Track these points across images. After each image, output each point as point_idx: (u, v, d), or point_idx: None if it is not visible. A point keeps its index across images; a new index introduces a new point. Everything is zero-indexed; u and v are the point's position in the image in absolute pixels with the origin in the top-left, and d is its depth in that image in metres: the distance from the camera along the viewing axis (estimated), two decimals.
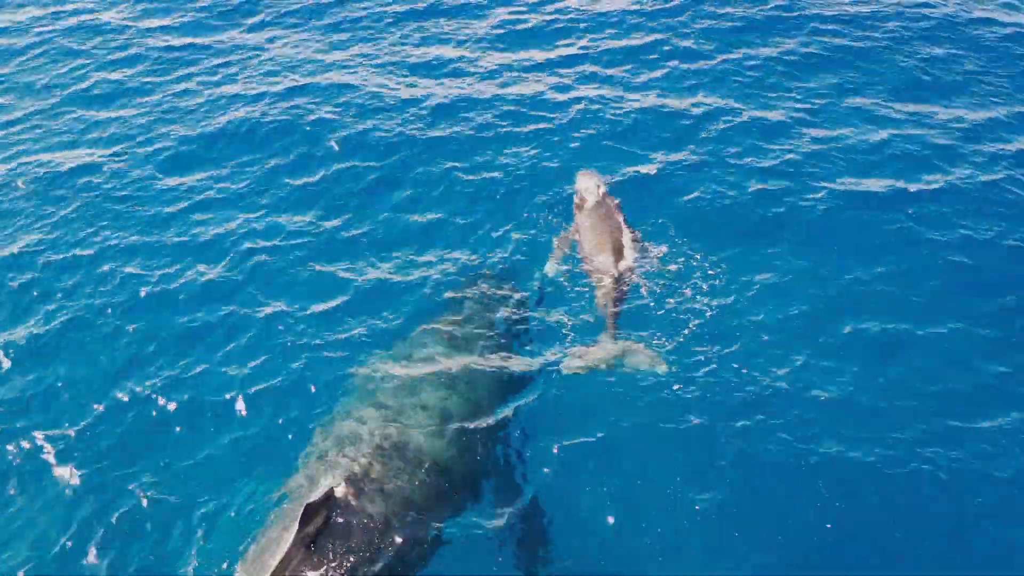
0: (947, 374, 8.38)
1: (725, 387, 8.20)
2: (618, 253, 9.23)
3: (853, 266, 9.57)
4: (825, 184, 10.73)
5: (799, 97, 12.45)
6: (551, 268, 9.51)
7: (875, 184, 10.75)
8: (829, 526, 7.23)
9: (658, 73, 13.14)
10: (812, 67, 13.13)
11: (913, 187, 10.63)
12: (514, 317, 9.06)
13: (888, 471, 7.56)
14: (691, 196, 10.67)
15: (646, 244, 9.69)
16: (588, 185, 10.14)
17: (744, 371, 8.33)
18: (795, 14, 14.54)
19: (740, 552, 7.10)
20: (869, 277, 9.42)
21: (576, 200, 10.13)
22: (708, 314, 8.85)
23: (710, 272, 9.34)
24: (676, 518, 7.28)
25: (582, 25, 14.75)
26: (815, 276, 9.45)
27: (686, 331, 8.63)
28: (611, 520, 7.28)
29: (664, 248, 9.62)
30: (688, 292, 9.08)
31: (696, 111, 12.26)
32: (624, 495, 7.45)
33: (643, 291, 9.08)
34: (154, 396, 8.42)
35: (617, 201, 10.06)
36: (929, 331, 8.78)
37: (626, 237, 9.47)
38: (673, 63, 13.36)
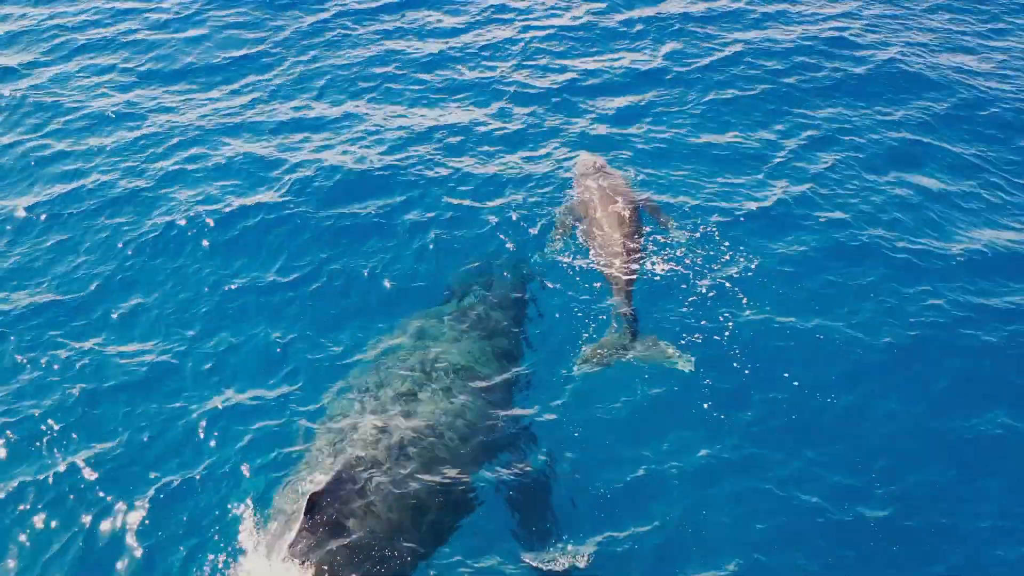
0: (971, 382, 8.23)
1: (743, 379, 8.04)
2: (623, 228, 8.91)
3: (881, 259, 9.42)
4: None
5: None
6: (554, 245, 9.31)
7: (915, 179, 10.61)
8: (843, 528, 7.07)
9: (694, 63, 13.09)
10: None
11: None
12: (522, 300, 8.88)
13: (919, 475, 7.46)
14: (707, 180, 10.59)
15: (658, 214, 9.50)
16: (589, 161, 10.05)
17: (766, 363, 8.17)
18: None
19: (756, 553, 6.95)
20: (904, 280, 9.19)
21: (576, 175, 10.00)
22: (727, 293, 8.71)
23: (726, 247, 9.23)
24: (686, 517, 7.14)
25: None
26: (843, 267, 9.33)
27: (703, 317, 8.46)
28: (621, 517, 7.11)
29: (676, 224, 9.50)
30: (703, 267, 8.94)
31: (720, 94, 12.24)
32: (636, 491, 7.29)
33: (655, 266, 8.90)
34: (153, 388, 8.31)
35: (621, 175, 9.88)
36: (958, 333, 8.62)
37: (631, 210, 9.13)
38: (703, 58, 13.28)
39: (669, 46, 13.38)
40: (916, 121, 11.63)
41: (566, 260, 9.22)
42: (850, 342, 8.47)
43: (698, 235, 9.43)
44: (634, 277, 8.60)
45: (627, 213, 9.06)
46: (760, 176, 10.62)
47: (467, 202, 10.47)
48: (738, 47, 13.27)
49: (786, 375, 8.10)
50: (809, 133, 11.39)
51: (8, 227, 10.40)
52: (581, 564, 6.74)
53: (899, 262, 9.39)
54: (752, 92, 12.23)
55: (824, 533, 7.02)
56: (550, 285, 9.09)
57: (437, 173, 10.97)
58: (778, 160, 10.88)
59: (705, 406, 7.83)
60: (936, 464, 7.54)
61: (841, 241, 9.64)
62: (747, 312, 8.60)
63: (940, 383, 8.18)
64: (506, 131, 11.73)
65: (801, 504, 7.18)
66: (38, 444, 7.82)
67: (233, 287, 9.36)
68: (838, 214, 10.03)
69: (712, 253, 9.22)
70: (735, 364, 8.14)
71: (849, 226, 9.84)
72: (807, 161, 10.89)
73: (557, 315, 8.75)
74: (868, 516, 7.09)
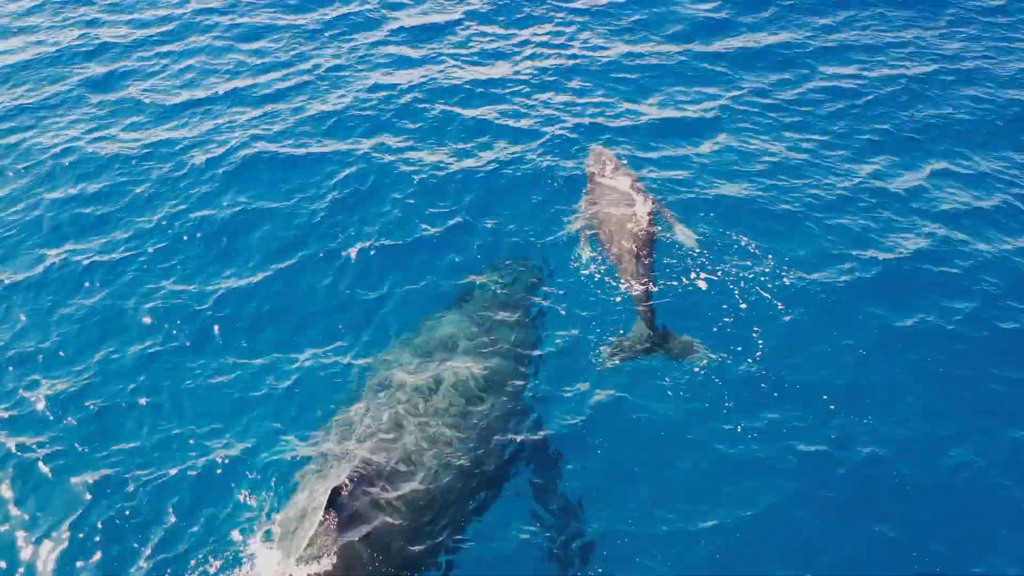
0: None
1: (762, 379, 7.93)
2: (637, 229, 8.86)
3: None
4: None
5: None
6: (583, 249, 9.19)
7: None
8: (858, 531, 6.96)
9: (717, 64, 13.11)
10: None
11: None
12: (540, 303, 8.81)
13: (936, 477, 7.33)
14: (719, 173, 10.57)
15: (670, 215, 9.46)
16: (600, 159, 9.92)
17: (783, 362, 8.06)
18: None
19: (770, 557, 6.84)
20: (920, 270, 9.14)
21: (589, 175, 9.89)
22: (742, 290, 8.64)
23: (745, 246, 9.19)
24: (701, 518, 7.02)
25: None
26: (862, 266, 9.22)
27: (721, 313, 8.40)
28: (630, 524, 7.00)
29: (686, 227, 9.42)
30: (720, 267, 8.89)
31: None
32: (653, 489, 7.21)
33: (671, 264, 8.87)
34: (174, 375, 8.28)
35: (634, 174, 9.81)
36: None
37: (644, 210, 9.08)
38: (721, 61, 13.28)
39: (710, 64, 13.27)
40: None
41: (583, 261, 9.16)
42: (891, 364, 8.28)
43: (720, 243, 9.35)
44: (649, 278, 8.52)
45: (637, 214, 9.04)
46: (784, 187, 10.49)
47: (479, 201, 10.42)
48: (795, 74, 13.07)
49: (825, 397, 7.92)
50: (846, 153, 11.20)
51: None
52: (593, 564, 6.67)
53: (945, 284, 9.19)
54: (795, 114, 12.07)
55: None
56: (568, 285, 9.00)
57: (445, 174, 10.90)
58: (810, 176, 10.75)
59: (726, 422, 7.67)
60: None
61: (883, 259, 9.43)
62: (769, 324, 8.46)
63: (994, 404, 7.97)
64: (522, 132, 11.70)
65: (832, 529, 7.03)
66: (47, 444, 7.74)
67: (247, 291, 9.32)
68: (876, 230, 9.89)
69: (723, 243, 9.21)
70: (762, 384, 7.97)
71: (892, 246, 9.61)
72: (847, 180, 10.72)
73: (575, 317, 8.66)
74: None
